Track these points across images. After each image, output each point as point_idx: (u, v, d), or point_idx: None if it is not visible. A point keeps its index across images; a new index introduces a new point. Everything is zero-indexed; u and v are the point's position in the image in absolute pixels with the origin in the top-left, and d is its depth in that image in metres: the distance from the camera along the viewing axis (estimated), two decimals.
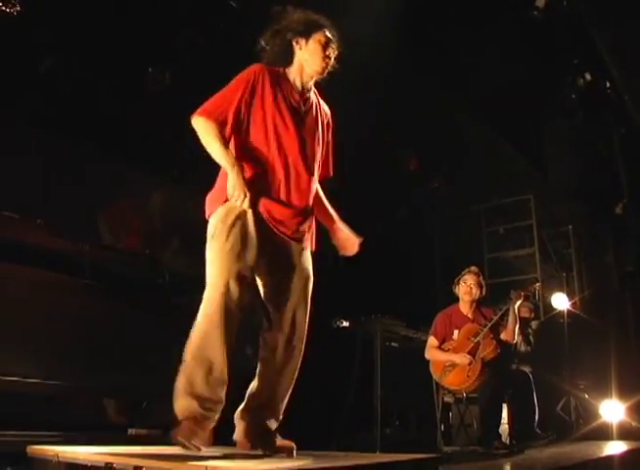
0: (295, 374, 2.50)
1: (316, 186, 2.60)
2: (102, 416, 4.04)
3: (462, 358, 4.42)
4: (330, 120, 2.70)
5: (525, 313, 5.84)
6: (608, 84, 6.87)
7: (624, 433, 5.72)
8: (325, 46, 2.54)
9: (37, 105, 4.15)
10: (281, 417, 2.49)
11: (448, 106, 6.14)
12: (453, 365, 4.48)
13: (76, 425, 3.44)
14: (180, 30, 4.70)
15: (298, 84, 2.56)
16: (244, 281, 2.32)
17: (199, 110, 2.44)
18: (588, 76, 6.72)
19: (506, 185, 7.53)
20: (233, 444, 2.47)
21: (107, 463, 1.90)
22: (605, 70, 6.55)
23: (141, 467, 1.81)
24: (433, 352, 4.63)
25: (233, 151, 2.44)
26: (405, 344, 5.45)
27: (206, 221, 2.45)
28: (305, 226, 2.50)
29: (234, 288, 2.28)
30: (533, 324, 6.35)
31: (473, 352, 4.43)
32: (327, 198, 2.73)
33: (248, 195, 2.31)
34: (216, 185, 2.50)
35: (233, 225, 2.33)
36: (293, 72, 2.57)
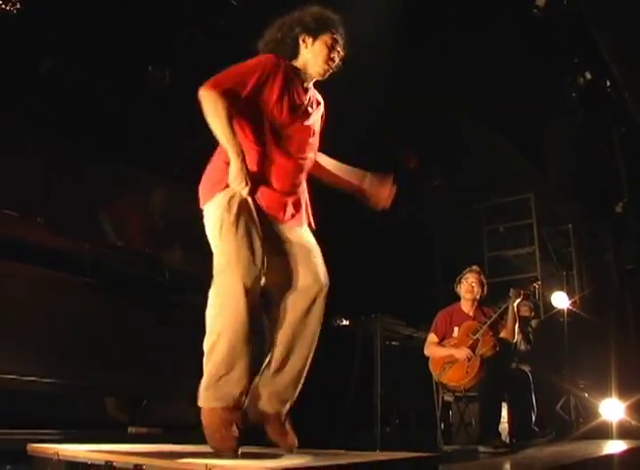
0: (312, 347, 2.40)
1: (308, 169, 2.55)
2: (102, 414, 4.04)
3: (461, 352, 4.43)
4: (323, 112, 2.66)
5: (525, 312, 5.84)
6: (608, 83, 6.87)
7: (624, 432, 5.73)
8: (331, 49, 2.48)
9: (37, 105, 4.14)
10: (295, 396, 2.40)
11: (448, 106, 6.13)
12: (452, 361, 4.49)
13: (76, 423, 3.44)
14: (180, 29, 4.71)
15: (301, 81, 2.53)
16: (258, 270, 2.26)
17: (210, 81, 2.27)
18: (588, 75, 6.72)
19: (506, 184, 7.53)
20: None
21: (107, 461, 1.89)
22: (605, 69, 6.54)
23: (141, 465, 1.80)
24: (432, 349, 4.64)
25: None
26: (405, 343, 5.46)
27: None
28: (297, 207, 2.46)
29: (252, 275, 2.22)
30: (533, 323, 6.34)
31: (472, 349, 4.44)
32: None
33: (249, 183, 2.26)
34: (210, 172, 2.43)
35: (239, 214, 2.28)
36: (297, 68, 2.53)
